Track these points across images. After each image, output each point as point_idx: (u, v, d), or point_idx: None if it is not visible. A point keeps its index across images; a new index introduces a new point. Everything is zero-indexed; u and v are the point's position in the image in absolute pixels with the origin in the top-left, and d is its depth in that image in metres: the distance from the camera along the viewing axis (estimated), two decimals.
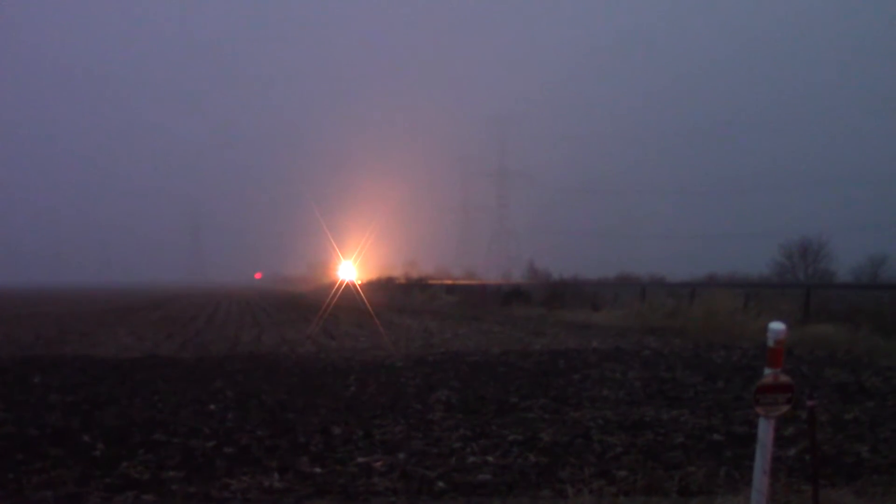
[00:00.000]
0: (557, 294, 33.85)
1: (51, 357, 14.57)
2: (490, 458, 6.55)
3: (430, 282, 60.19)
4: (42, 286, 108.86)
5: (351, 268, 53.85)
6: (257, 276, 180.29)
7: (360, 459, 6.53)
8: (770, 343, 4.06)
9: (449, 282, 58.71)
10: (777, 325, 4.04)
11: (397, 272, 77.27)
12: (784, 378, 4.08)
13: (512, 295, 36.72)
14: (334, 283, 66.52)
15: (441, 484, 5.84)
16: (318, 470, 6.23)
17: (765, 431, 4.12)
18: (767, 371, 4.08)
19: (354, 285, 50.27)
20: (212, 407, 9.03)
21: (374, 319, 25.98)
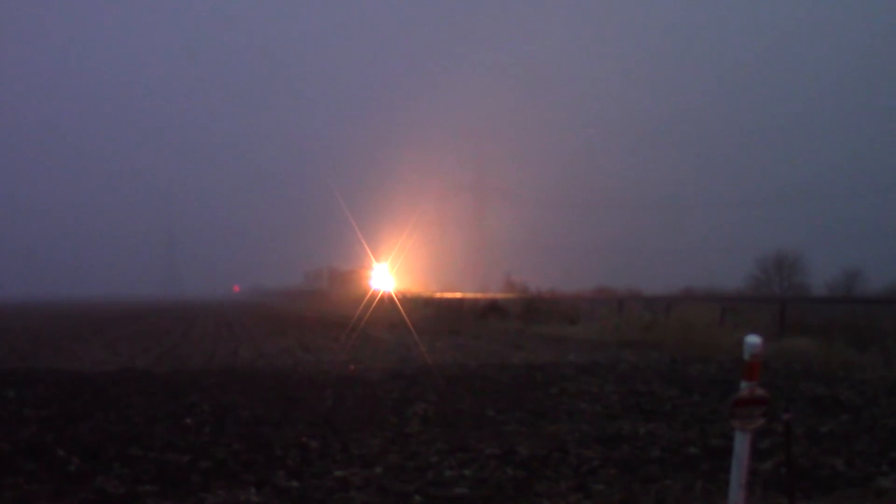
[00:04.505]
0: (534, 308, 33.94)
1: (25, 371, 14.33)
2: (467, 472, 6.55)
3: (407, 295, 60.00)
4: (16, 299, 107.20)
5: (386, 276, 51.88)
6: (236, 288, 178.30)
7: (337, 473, 6.50)
8: (746, 356, 4.11)
9: (426, 295, 58.55)
10: (753, 339, 4.09)
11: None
12: (760, 391, 4.13)
13: (489, 309, 36.76)
14: (347, 296, 65.28)
15: (418, 498, 5.83)
16: (294, 484, 6.19)
17: (741, 445, 4.16)
18: (743, 384, 4.12)
19: (389, 295, 48.10)
20: (188, 421, 8.94)
21: (353, 332, 25.86)
